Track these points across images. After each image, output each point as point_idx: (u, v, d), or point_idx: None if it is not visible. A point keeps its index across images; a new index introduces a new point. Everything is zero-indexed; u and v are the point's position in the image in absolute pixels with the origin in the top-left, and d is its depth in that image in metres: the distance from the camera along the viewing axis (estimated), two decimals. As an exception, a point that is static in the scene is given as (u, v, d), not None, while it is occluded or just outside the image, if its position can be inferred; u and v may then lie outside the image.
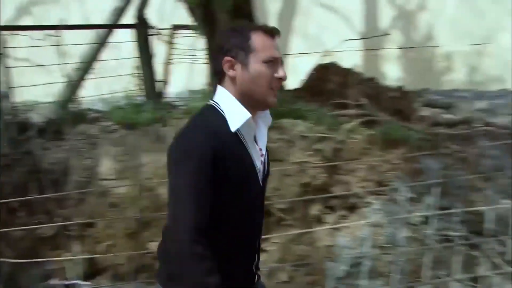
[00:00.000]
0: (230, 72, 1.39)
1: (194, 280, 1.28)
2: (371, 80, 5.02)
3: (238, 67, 1.39)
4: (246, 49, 1.38)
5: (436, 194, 3.36)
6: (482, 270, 3.41)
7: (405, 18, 7.64)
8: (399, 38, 7.65)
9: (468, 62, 7.59)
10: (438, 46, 7.39)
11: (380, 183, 3.57)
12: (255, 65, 1.38)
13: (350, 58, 6.71)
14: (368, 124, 3.95)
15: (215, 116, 1.39)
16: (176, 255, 1.32)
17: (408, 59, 7.53)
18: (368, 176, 3.62)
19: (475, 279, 3.39)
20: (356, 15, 7.75)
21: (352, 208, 3.62)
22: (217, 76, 1.45)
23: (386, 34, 7.35)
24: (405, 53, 7.53)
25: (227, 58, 1.39)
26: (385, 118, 3.98)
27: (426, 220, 3.38)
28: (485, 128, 4.27)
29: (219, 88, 1.43)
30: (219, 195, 1.33)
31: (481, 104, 5.63)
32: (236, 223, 1.42)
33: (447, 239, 3.40)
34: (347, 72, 4.67)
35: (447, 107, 5.14)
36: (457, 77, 7.55)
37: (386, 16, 7.63)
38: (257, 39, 1.38)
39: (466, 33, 7.41)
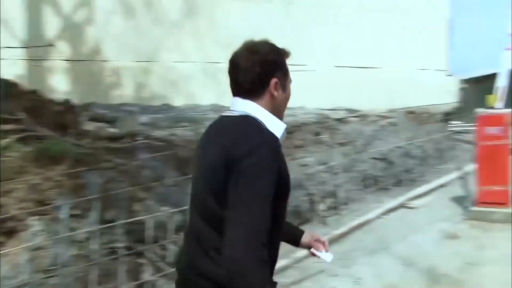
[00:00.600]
0: (275, 93, 1.41)
1: (258, 284, 1.22)
2: (33, 92, 4.69)
3: (279, 88, 1.43)
4: (286, 73, 1.45)
5: (98, 208, 3.40)
6: (147, 275, 3.66)
7: (72, 30, 7.45)
8: (67, 50, 7.40)
9: (135, 78, 8.02)
10: (106, 61, 7.54)
11: (41, 203, 3.36)
12: (289, 87, 1.47)
13: (11, 68, 6.10)
14: (27, 140, 3.66)
15: (262, 125, 1.38)
16: (245, 259, 1.20)
17: (76, 72, 7.35)
18: (27, 196, 3.35)
19: (141, 285, 3.61)
20: (17, 22, 7.05)
21: (11, 233, 3.28)
22: (251, 91, 1.41)
23: (50, 45, 7.00)
24: (73, 66, 7.35)
25: (275, 80, 1.41)
26: (46, 133, 3.77)
27: (91, 236, 3.38)
28: (146, 141, 4.62)
29: (250, 102, 1.41)
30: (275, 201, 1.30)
31: (145, 118, 6.01)
32: (276, 231, 1.36)
33: (113, 251, 3.49)
34: (5, 83, 4.22)
35: (113, 121, 5.27)
36: (125, 92, 7.85)
37: (52, 26, 7.24)
38: (286, 62, 1.46)
39: (131, 50, 7.81)
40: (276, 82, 1.42)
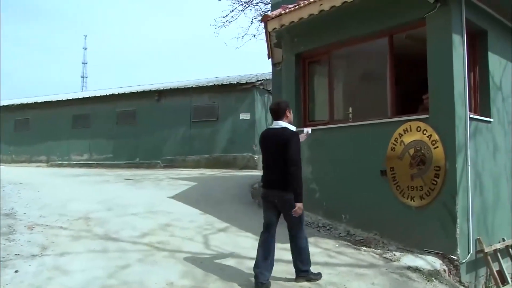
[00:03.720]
0: (289, 115, 4.86)
1: (300, 181, 4.53)
2: None
3: (290, 114, 4.90)
4: (290, 108, 4.93)
5: None
6: None
7: None
8: None
9: None
10: None
11: None
12: (292, 113, 5.00)
13: None
14: None
15: (292, 128, 4.78)
16: (299, 174, 4.53)
17: None
18: None
19: None
20: None
21: None
22: (280, 117, 4.82)
23: None
24: None
25: (288, 111, 4.86)
26: None
27: None
28: None
29: (283, 122, 4.80)
30: None
31: None
32: None
33: None
34: None
35: None
36: None
37: None
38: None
39: None
40: (288, 111, 4.86)
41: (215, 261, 5.45)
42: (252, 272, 4.73)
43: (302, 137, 5.17)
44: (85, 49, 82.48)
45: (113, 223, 7.08)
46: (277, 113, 4.83)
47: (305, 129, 5.58)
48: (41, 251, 5.55)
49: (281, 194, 4.63)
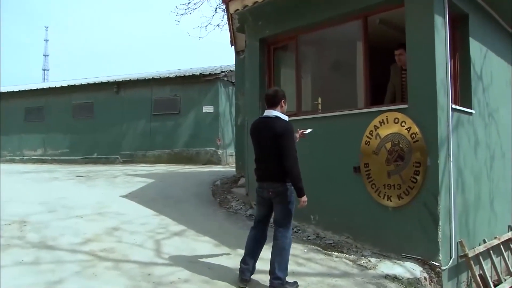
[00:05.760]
0: (284, 106, 4.47)
1: (299, 175, 4.24)
2: None
3: (285, 104, 4.49)
4: (285, 98, 4.52)
5: None
6: None
7: None
8: None
9: None
10: None
11: None
12: (286, 104, 4.56)
13: None
14: None
15: (285, 119, 4.39)
16: (296, 169, 4.23)
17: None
18: None
19: None
20: None
21: None
22: (275, 105, 4.39)
23: None
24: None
25: (284, 100, 4.47)
26: None
27: None
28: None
29: (274, 110, 4.37)
30: None
31: None
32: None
33: None
34: None
35: None
36: None
37: None
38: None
39: None
40: (284, 102, 4.47)
41: (166, 272, 4.69)
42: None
43: (301, 135, 4.97)
44: (46, 41, 79.28)
45: (53, 228, 6.21)
46: (273, 101, 4.45)
47: (308, 130, 5.07)
48: (-45, 265, 4.64)
49: (275, 185, 4.36)
